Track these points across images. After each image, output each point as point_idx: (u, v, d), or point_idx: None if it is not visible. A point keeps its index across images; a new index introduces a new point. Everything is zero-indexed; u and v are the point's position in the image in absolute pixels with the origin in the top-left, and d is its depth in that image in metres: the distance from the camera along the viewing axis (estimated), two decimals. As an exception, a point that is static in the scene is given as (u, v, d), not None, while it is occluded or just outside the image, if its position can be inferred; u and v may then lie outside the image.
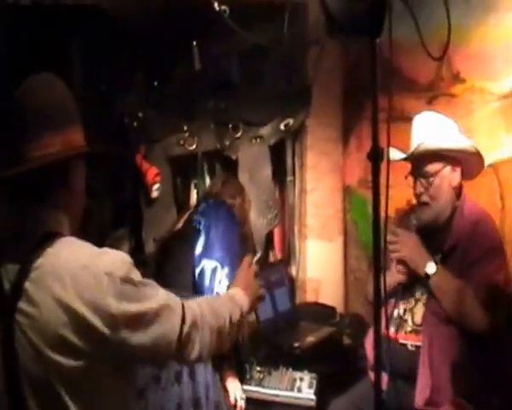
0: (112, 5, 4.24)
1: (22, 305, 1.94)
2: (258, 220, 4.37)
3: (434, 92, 4.01)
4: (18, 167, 2.01)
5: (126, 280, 1.96)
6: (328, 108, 4.63)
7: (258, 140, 4.50)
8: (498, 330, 3.13)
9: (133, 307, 1.96)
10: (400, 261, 3.29)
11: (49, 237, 2.01)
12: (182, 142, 4.42)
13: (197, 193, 4.57)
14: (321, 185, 4.64)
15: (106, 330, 1.91)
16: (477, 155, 3.25)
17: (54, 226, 2.06)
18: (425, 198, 3.29)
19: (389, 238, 3.20)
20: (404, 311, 3.32)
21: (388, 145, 2.53)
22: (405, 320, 3.30)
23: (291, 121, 4.52)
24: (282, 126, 4.52)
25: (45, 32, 3.98)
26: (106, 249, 2.01)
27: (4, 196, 2.11)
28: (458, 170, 3.28)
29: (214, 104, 4.44)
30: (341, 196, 4.72)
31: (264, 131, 4.52)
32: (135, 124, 4.33)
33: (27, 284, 1.95)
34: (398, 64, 4.08)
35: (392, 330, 3.29)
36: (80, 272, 1.92)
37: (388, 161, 2.45)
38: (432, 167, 3.26)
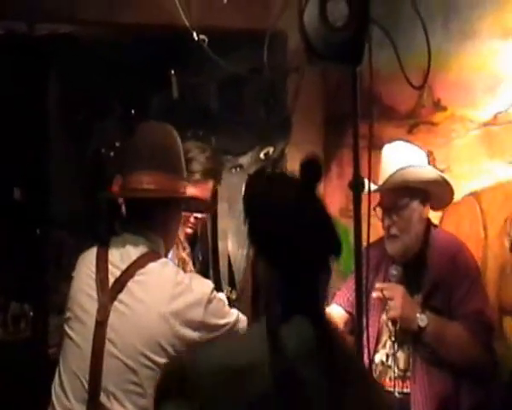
0: (88, 34, 4.27)
1: (123, 297, 2.48)
2: (237, 251, 4.38)
3: (415, 120, 4.05)
4: (140, 193, 2.59)
5: (214, 300, 2.55)
6: (309, 136, 4.67)
7: (237, 169, 4.52)
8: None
9: (221, 321, 2.56)
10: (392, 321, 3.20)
11: (151, 255, 2.56)
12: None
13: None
14: (301, 214, 4.64)
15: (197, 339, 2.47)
16: (446, 186, 3.27)
17: (155, 247, 2.60)
18: (394, 231, 3.27)
19: (375, 295, 3.17)
20: (387, 356, 3.27)
21: (369, 174, 2.56)
22: (389, 366, 3.24)
23: (271, 150, 4.54)
24: (261, 155, 4.55)
25: (20, 62, 4.00)
26: (194, 274, 2.90)
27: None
28: (428, 203, 3.30)
29: (192, 133, 4.45)
30: (322, 224, 4.72)
31: (244, 160, 4.55)
32: (111, 153, 4.35)
33: (131, 283, 2.49)
34: (379, 92, 4.11)
35: (374, 376, 3.23)
36: (181, 292, 2.48)
37: (370, 190, 2.48)
38: (400, 200, 3.27)
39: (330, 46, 2.30)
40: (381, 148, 4.02)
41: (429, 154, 3.83)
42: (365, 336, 2.48)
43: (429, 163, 3.47)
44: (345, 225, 4.59)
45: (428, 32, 3.68)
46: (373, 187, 3.27)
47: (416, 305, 3.18)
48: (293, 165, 4.63)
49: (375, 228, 3.65)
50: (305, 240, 1.79)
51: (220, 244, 4.44)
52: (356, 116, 2.40)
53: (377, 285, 3.20)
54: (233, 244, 4.41)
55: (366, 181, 3.26)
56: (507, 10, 3.49)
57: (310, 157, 1.94)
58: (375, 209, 3.33)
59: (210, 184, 3.49)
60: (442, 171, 3.75)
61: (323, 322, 1.86)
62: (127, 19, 4.12)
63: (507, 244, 3.48)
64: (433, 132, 3.93)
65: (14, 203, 4.83)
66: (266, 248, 1.84)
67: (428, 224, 3.35)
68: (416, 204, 3.28)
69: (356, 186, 2.40)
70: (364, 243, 2.46)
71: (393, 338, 3.21)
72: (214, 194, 3.74)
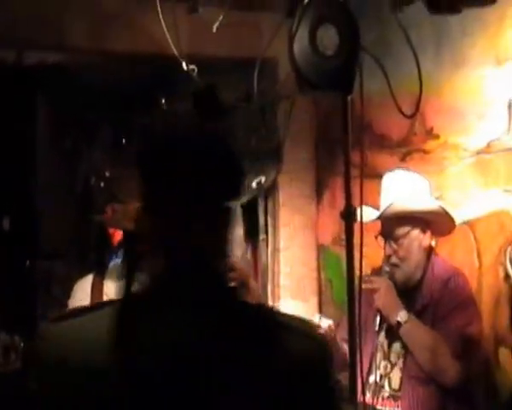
0: (76, 62, 4.28)
1: None
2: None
3: (407, 148, 4.05)
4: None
5: None
6: (301, 164, 4.68)
7: (228, 199, 4.51)
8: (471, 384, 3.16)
9: None
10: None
11: None
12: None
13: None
14: (294, 243, 4.66)
15: None
16: (446, 216, 3.31)
17: None
18: (395, 260, 3.33)
19: (364, 286, 3.23)
20: (381, 376, 3.32)
21: (361, 203, 2.56)
22: (382, 386, 3.30)
23: (263, 179, 4.54)
24: (253, 184, 4.54)
25: (8, 91, 4.00)
26: None
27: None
28: (428, 231, 3.34)
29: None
30: (315, 254, 4.73)
31: (236, 189, 4.53)
32: (102, 184, 4.33)
33: None
34: (370, 120, 4.12)
35: (368, 396, 3.28)
36: None
37: (361, 219, 2.48)
38: (401, 229, 3.32)
39: (320, 74, 2.30)
40: (374, 176, 4.03)
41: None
42: (359, 366, 2.47)
43: (430, 189, 3.49)
44: (337, 253, 4.60)
45: (420, 60, 3.70)
46: (372, 214, 3.30)
47: (399, 302, 3.28)
48: (285, 193, 4.64)
49: (367, 257, 3.67)
50: (193, 180, 1.52)
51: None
52: (347, 146, 2.40)
53: (366, 277, 3.26)
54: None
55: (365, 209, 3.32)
56: (498, 37, 3.49)
57: (202, 87, 1.69)
58: (376, 238, 3.39)
59: None
60: (436, 199, 3.76)
61: (226, 293, 1.55)
62: (116, 47, 4.12)
63: (501, 274, 3.47)
64: (426, 160, 3.93)
65: (3, 233, 4.82)
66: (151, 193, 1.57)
67: (430, 250, 3.40)
68: (416, 233, 3.33)
69: (348, 216, 2.40)
70: (357, 272, 2.46)
71: (386, 356, 3.32)
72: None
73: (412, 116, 2.49)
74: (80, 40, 4.02)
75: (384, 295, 3.26)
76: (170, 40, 2.42)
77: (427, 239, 3.35)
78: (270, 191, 4.66)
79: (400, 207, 3.28)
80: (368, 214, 3.32)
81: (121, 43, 4.11)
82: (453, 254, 3.68)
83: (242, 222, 4.58)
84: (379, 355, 3.35)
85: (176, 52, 2.41)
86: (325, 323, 3.38)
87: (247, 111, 4.32)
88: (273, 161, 4.56)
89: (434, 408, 3.18)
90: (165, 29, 2.44)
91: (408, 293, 3.34)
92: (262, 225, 4.67)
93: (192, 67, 2.46)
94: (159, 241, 1.54)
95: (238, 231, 4.54)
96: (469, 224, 3.67)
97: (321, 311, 4.68)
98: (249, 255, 4.69)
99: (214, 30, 2.56)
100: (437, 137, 3.89)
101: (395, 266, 3.33)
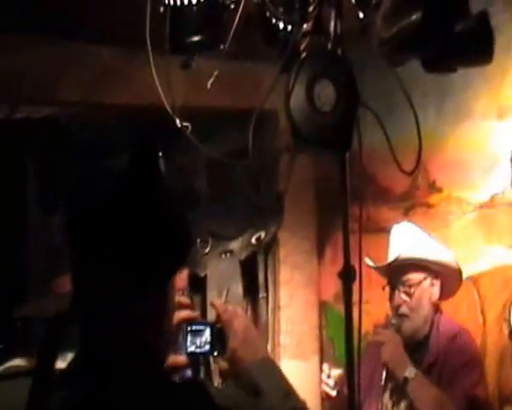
0: (70, 115, 4.29)
1: None
2: (228, 340, 4.32)
3: (410, 202, 4.05)
4: None
5: None
6: (301, 219, 4.67)
7: (227, 255, 4.50)
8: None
9: None
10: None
11: None
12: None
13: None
14: (295, 301, 4.64)
15: None
16: (457, 271, 3.33)
17: None
18: (404, 310, 3.34)
19: (371, 338, 3.25)
20: None
21: (360, 260, 2.54)
22: None
23: (263, 234, 4.53)
24: (253, 240, 4.53)
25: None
26: None
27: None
28: (437, 285, 3.35)
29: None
30: (317, 311, 4.71)
31: (235, 245, 4.53)
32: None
33: None
34: (373, 173, 4.13)
35: None
36: None
37: (361, 277, 2.46)
38: (414, 277, 3.33)
39: (317, 131, 2.29)
40: (376, 231, 4.03)
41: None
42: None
43: None
44: (340, 311, 4.55)
45: (423, 113, 3.73)
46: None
47: (407, 357, 3.27)
48: (285, 249, 4.63)
49: (369, 314, 3.65)
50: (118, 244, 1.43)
51: (210, 333, 4.38)
52: (346, 204, 2.39)
53: (375, 330, 3.35)
54: (223, 333, 4.35)
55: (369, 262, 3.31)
56: (501, 90, 3.52)
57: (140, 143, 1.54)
58: (383, 289, 3.39)
59: (184, 273, 3.48)
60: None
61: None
62: (111, 99, 4.13)
63: (506, 331, 3.46)
64: (430, 215, 3.93)
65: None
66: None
67: (437, 305, 3.42)
68: (427, 284, 3.35)
69: (346, 276, 2.37)
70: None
71: (384, 383, 3.34)
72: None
73: (412, 173, 2.47)
74: (74, 93, 4.03)
75: (392, 349, 3.28)
76: (163, 96, 2.41)
77: (436, 293, 3.38)
78: (270, 247, 4.64)
79: (419, 254, 3.32)
80: (372, 263, 3.35)
81: (116, 95, 4.12)
82: (457, 310, 3.66)
83: (241, 279, 4.55)
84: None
85: (169, 109, 2.40)
86: (335, 372, 3.35)
87: (247, 163, 4.32)
88: (273, 215, 4.55)
89: None
90: (158, 85, 2.43)
91: (414, 350, 3.34)
92: (262, 282, 4.64)
93: (186, 124, 2.44)
94: (84, 310, 1.48)
95: (237, 289, 4.51)
96: (473, 279, 3.66)
97: (322, 370, 4.63)
98: (249, 313, 4.64)
99: (208, 86, 2.56)
100: (440, 190, 3.89)
101: (404, 316, 3.34)
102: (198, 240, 4.47)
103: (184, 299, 1.80)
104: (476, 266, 3.66)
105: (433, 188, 3.92)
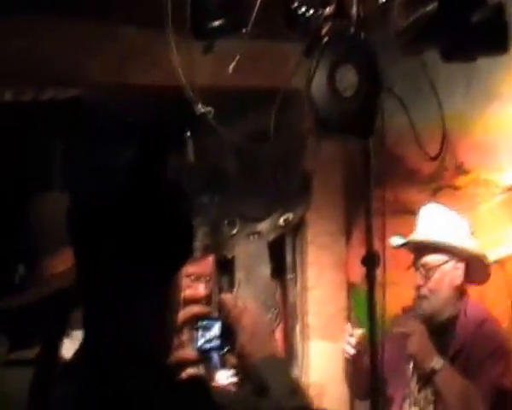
0: (96, 96, 4.30)
1: None
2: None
3: (438, 184, 4.03)
4: None
5: None
6: (329, 200, 4.65)
7: (255, 236, 4.50)
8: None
9: None
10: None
11: None
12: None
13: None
14: (323, 282, 4.63)
15: None
16: (483, 260, 3.28)
17: None
18: (424, 291, 3.34)
19: (395, 330, 3.25)
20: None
21: (384, 242, 2.54)
22: None
23: (290, 216, 4.52)
24: (281, 221, 4.52)
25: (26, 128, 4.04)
26: None
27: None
28: (461, 269, 3.33)
29: (209, 198, 4.44)
30: (345, 293, 4.70)
31: (263, 226, 4.52)
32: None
33: None
34: (401, 155, 4.11)
35: None
36: None
37: (384, 260, 2.47)
38: (433, 259, 3.32)
39: (339, 117, 2.29)
40: (403, 213, 4.02)
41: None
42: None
43: (470, 230, 3.47)
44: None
45: (451, 95, 3.71)
46: (401, 240, 3.31)
47: (433, 348, 3.26)
48: (313, 231, 4.62)
49: (399, 297, 3.64)
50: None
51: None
52: (369, 190, 2.38)
53: (400, 320, 3.33)
54: (252, 314, 4.36)
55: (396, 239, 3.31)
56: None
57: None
58: (408, 269, 3.39)
59: (210, 259, 3.48)
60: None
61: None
62: (138, 80, 4.14)
63: (534, 314, 3.45)
64: (457, 197, 3.91)
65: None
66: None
67: (461, 292, 3.40)
68: (448, 267, 3.34)
69: (369, 262, 2.37)
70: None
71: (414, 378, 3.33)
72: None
73: (436, 158, 2.47)
74: (101, 74, 4.05)
75: (418, 341, 3.27)
76: (184, 81, 2.42)
77: (458, 277, 3.35)
78: (297, 228, 4.63)
79: (435, 237, 3.32)
80: (395, 242, 3.35)
81: (144, 76, 4.12)
82: (484, 294, 3.65)
83: (269, 260, 4.55)
84: (408, 401, 3.32)
85: (190, 95, 2.41)
86: (358, 332, 3.42)
87: (275, 144, 4.31)
88: (301, 196, 4.54)
89: None
90: (179, 71, 2.43)
91: (439, 334, 3.33)
92: (290, 264, 4.64)
93: (208, 109, 2.45)
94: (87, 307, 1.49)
95: (265, 270, 4.51)
96: (501, 263, 3.64)
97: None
98: (277, 295, 4.64)
99: (230, 70, 2.55)
100: (468, 172, 3.87)
101: (424, 297, 3.32)
102: (225, 221, 4.48)
103: (197, 292, 1.80)
104: (504, 249, 3.64)
105: (461, 170, 3.90)
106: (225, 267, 4.54)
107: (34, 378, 1.42)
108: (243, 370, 1.79)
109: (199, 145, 4.36)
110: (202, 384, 1.52)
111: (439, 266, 3.31)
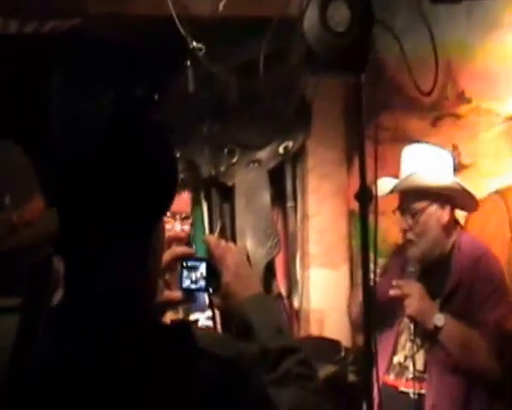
0: (98, 27, 4.26)
1: None
2: (256, 250, 4.35)
3: (439, 112, 4.00)
4: None
5: None
6: (330, 128, 4.63)
7: (255, 165, 4.48)
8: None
9: None
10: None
11: None
12: (174, 169, 4.40)
13: (193, 222, 4.54)
14: (324, 210, 4.64)
15: None
16: (465, 194, 3.28)
17: None
18: (410, 235, 3.30)
19: (393, 292, 3.20)
20: (405, 357, 3.30)
21: (375, 177, 2.53)
22: (406, 367, 3.28)
23: (290, 144, 4.49)
24: (280, 149, 4.49)
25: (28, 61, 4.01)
26: None
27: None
28: (447, 207, 3.29)
29: (208, 127, 4.42)
30: (346, 220, 4.71)
31: (262, 154, 4.49)
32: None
33: None
34: (402, 82, 4.07)
35: (391, 377, 3.27)
36: None
37: (376, 193, 2.47)
38: (418, 204, 3.30)
39: (331, 53, 2.26)
40: (404, 141, 4.00)
41: (454, 148, 3.79)
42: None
43: (455, 163, 3.42)
44: (370, 219, 4.55)
45: (451, 23, 3.66)
46: (386, 190, 3.27)
47: (434, 304, 3.23)
48: (314, 159, 4.61)
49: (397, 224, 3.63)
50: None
51: (238, 243, 4.42)
52: (362, 126, 2.37)
53: (394, 282, 3.24)
54: (252, 242, 4.39)
55: (386, 181, 3.28)
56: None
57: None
58: (394, 212, 3.36)
59: (186, 195, 3.47)
60: (468, 166, 3.73)
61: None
62: (137, 10, 4.09)
63: (536, 245, 3.44)
64: (458, 125, 3.89)
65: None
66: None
67: (450, 227, 3.34)
68: (433, 209, 3.30)
69: (362, 198, 2.38)
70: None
71: (412, 337, 3.26)
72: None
73: (429, 93, 2.44)
74: (103, 4, 4.00)
75: (417, 301, 3.20)
76: (176, 19, 2.39)
77: (445, 215, 3.30)
78: (298, 156, 4.61)
79: (416, 182, 3.27)
80: (388, 186, 3.31)
81: (145, 6, 4.08)
82: (485, 225, 3.65)
83: (269, 188, 4.54)
84: (404, 336, 3.33)
85: (182, 31, 2.38)
86: None
87: (274, 71, 4.27)
88: (301, 124, 4.51)
89: (460, 396, 3.17)
90: (171, 7, 2.40)
91: (436, 271, 3.31)
92: (290, 192, 4.63)
93: (199, 46, 2.42)
94: (72, 252, 1.48)
95: (265, 198, 4.51)
96: (501, 193, 3.63)
97: (352, 279, 4.66)
98: (277, 223, 4.65)
99: (221, 8, 2.52)
100: (469, 101, 3.84)
101: (411, 242, 3.30)
102: (225, 150, 4.46)
103: (181, 233, 1.79)
104: (505, 179, 3.62)
105: (462, 98, 3.87)
106: (225, 195, 4.55)
107: (18, 327, 1.42)
108: (227, 310, 1.79)
109: (199, 73, 4.32)
110: (188, 328, 1.52)
111: (425, 208, 3.27)
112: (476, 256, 3.26)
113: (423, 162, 3.31)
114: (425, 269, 3.33)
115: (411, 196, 3.30)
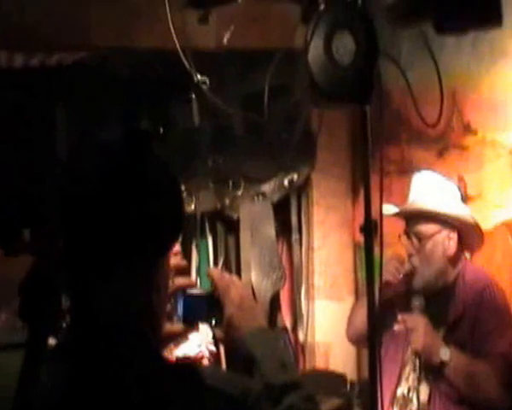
0: (103, 60, 4.27)
1: None
2: (261, 283, 4.33)
3: (445, 143, 3.98)
4: None
5: None
6: (335, 160, 4.63)
7: (260, 197, 4.47)
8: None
9: None
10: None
11: None
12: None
13: (198, 254, 4.54)
14: (329, 242, 4.62)
15: None
16: (475, 227, 3.25)
17: None
18: (415, 261, 3.26)
19: (397, 328, 3.17)
20: (409, 389, 3.25)
21: (381, 204, 2.52)
22: (410, 400, 3.24)
23: (295, 176, 4.49)
24: (285, 182, 4.49)
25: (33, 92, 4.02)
26: None
27: None
28: (454, 238, 3.26)
29: (213, 160, 4.42)
30: (351, 253, 4.69)
31: (267, 187, 4.49)
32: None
33: None
34: (407, 113, 4.06)
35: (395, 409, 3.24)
36: None
37: (382, 223, 2.46)
38: (426, 228, 3.25)
39: (336, 86, 2.25)
40: (410, 172, 3.98)
41: (460, 179, 3.77)
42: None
43: (462, 197, 3.40)
44: (375, 252, 4.53)
45: (457, 53, 3.65)
46: (394, 209, 3.26)
47: (439, 338, 3.18)
48: (319, 191, 4.59)
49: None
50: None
51: (243, 276, 4.41)
52: (367, 157, 2.35)
53: (399, 317, 3.20)
54: (257, 275, 4.38)
55: (389, 208, 3.26)
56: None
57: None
58: (400, 237, 3.33)
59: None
60: (473, 198, 3.71)
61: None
62: (142, 43, 4.10)
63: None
64: (464, 157, 3.87)
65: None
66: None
67: (456, 258, 3.31)
68: (441, 237, 3.26)
69: (368, 230, 2.36)
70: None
71: (417, 371, 3.22)
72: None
73: (435, 126, 2.43)
74: (107, 38, 4.02)
75: (423, 336, 3.13)
76: (181, 53, 2.38)
77: (452, 246, 3.26)
78: (303, 189, 4.60)
79: (428, 206, 3.24)
80: (392, 210, 3.30)
81: (150, 39, 4.09)
82: (491, 257, 3.62)
83: (274, 221, 4.53)
84: (408, 366, 3.29)
85: (187, 64, 2.37)
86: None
87: (280, 102, 4.27)
88: (306, 156, 4.51)
89: None
90: (176, 41, 2.40)
91: (439, 305, 3.27)
92: (295, 224, 4.62)
93: (203, 79, 2.42)
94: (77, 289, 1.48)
95: (270, 231, 4.50)
96: (508, 224, 3.60)
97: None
98: (283, 256, 4.64)
99: (225, 42, 2.52)
100: (474, 132, 3.82)
101: (416, 268, 3.26)
102: (230, 183, 4.46)
103: (182, 263, 1.77)
104: (511, 211, 3.60)
105: (468, 130, 3.85)
106: (230, 228, 4.54)
107: (23, 362, 1.41)
108: (230, 343, 1.77)
109: (203, 107, 4.32)
110: (194, 365, 1.51)
111: (433, 235, 3.24)
112: (481, 287, 3.22)
113: (434, 188, 3.29)
114: (429, 299, 3.28)
115: (420, 220, 3.26)
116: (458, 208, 3.29)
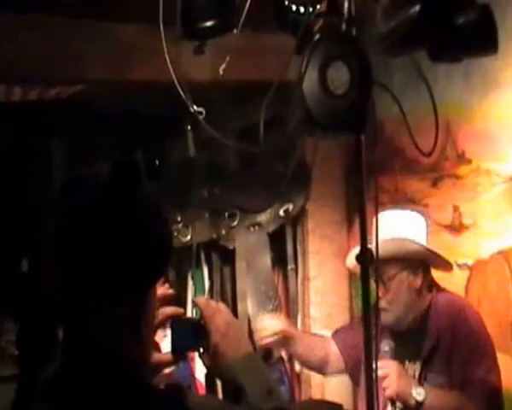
0: (96, 93, 4.27)
1: None
2: (257, 313, 4.31)
3: (439, 173, 3.97)
4: None
5: None
6: (330, 190, 4.63)
7: (256, 228, 4.47)
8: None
9: None
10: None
11: None
12: (175, 233, 4.37)
13: (194, 284, 4.52)
14: (324, 272, 4.61)
15: None
16: (436, 256, 3.24)
17: None
18: (383, 304, 3.20)
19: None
20: None
21: (377, 239, 2.50)
22: None
23: (290, 206, 4.50)
24: (281, 212, 4.50)
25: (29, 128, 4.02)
26: None
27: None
28: (419, 271, 3.24)
29: (208, 191, 4.42)
30: (347, 282, 4.68)
31: (263, 218, 4.50)
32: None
33: None
34: (401, 143, 4.06)
35: None
36: None
37: (377, 255, 2.43)
38: (388, 270, 3.22)
39: (331, 116, 2.24)
40: (405, 202, 3.98)
41: (455, 209, 3.77)
42: None
43: (427, 226, 3.38)
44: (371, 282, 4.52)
45: (450, 84, 3.65)
46: (353, 261, 3.22)
47: (412, 379, 3.14)
48: (314, 220, 4.59)
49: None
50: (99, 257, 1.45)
51: (239, 306, 4.39)
52: (362, 187, 2.34)
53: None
54: (253, 305, 4.37)
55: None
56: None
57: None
58: (375, 281, 3.30)
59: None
60: (469, 227, 3.70)
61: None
62: (137, 76, 4.10)
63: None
64: (458, 186, 3.86)
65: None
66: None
67: (424, 289, 3.28)
68: (404, 275, 3.23)
69: (363, 259, 2.34)
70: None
71: None
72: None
73: (430, 155, 2.42)
74: (99, 72, 4.01)
75: (395, 382, 3.05)
76: (177, 83, 2.37)
77: (418, 280, 3.24)
78: (298, 219, 4.60)
79: (386, 250, 3.15)
80: (349, 262, 3.29)
81: (143, 74, 4.08)
82: (487, 286, 3.61)
83: (270, 251, 4.53)
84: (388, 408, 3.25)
85: (183, 95, 2.36)
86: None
87: (274, 135, 4.26)
88: (301, 186, 4.51)
89: None
90: (172, 71, 2.39)
91: (413, 338, 3.24)
92: (290, 254, 4.61)
93: (200, 109, 2.41)
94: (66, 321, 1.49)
95: (266, 261, 4.49)
96: (504, 254, 3.58)
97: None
98: (278, 285, 4.62)
99: (221, 72, 2.51)
100: (469, 162, 3.81)
101: (384, 310, 3.21)
102: (226, 213, 4.46)
103: (169, 292, 1.78)
104: (507, 240, 3.58)
105: (462, 159, 3.84)
106: (226, 258, 4.53)
107: (15, 397, 1.41)
108: (217, 371, 1.77)
109: (198, 138, 4.33)
110: (183, 392, 1.51)
111: (395, 275, 3.21)
112: (454, 313, 3.18)
113: (392, 229, 3.22)
114: (402, 334, 3.25)
115: (383, 264, 3.18)
116: (414, 245, 3.25)
